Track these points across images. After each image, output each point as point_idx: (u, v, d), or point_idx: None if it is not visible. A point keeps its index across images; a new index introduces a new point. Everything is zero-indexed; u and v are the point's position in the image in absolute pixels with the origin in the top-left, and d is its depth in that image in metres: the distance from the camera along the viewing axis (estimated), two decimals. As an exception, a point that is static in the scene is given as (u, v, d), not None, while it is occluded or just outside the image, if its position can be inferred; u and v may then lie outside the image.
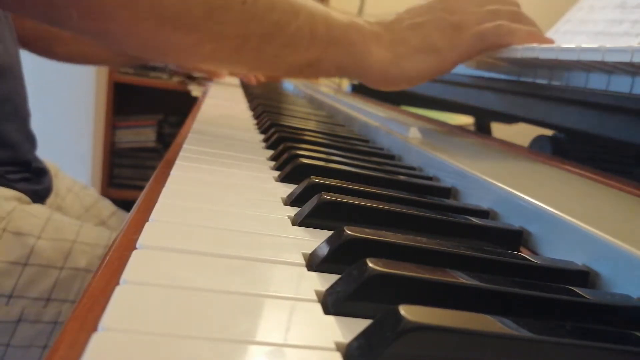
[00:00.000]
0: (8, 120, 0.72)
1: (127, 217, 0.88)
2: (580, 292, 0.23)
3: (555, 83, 0.52)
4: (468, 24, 0.56)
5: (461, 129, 0.74)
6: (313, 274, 0.24)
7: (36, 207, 0.67)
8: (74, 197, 0.87)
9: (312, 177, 0.36)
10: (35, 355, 0.60)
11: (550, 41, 0.57)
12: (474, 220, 0.32)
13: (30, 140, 0.78)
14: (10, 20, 0.77)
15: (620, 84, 0.45)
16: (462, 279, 0.22)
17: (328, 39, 0.52)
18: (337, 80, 1.54)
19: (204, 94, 1.05)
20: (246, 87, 1.25)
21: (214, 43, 0.47)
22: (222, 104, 0.91)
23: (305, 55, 0.51)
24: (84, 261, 0.62)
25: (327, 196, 0.31)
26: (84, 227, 0.67)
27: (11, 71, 0.74)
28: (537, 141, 0.62)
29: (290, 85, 1.43)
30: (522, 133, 0.73)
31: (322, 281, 0.24)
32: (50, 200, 0.80)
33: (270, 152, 0.50)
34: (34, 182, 0.74)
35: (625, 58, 0.41)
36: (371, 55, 0.54)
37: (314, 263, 0.25)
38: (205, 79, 1.25)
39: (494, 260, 0.26)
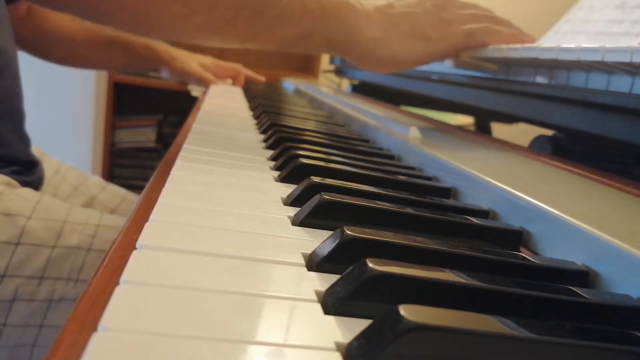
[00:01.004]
0: (2, 120, 0.72)
1: (120, 190, 0.87)
2: (580, 292, 0.23)
3: (555, 83, 0.53)
4: (457, 21, 0.59)
5: (461, 129, 0.74)
6: (313, 274, 0.24)
7: (26, 191, 0.67)
8: (61, 178, 0.87)
9: (311, 177, 0.36)
10: (31, 334, 0.60)
11: (532, 41, 0.61)
12: (474, 220, 0.32)
13: (25, 141, 0.78)
14: (9, 21, 0.77)
15: (620, 84, 0.45)
16: (462, 279, 0.22)
17: (320, 12, 0.53)
18: (337, 80, 1.54)
19: (204, 94, 1.05)
20: (246, 87, 1.25)
21: (206, 14, 0.48)
22: (222, 104, 0.91)
23: (297, 28, 0.52)
24: (76, 239, 0.62)
25: (327, 196, 0.31)
26: (74, 208, 0.67)
27: (9, 71, 0.74)
28: (537, 141, 0.62)
29: (290, 85, 1.43)
30: (522, 133, 0.73)
31: (322, 281, 0.24)
32: (41, 189, 0.80)
33: (270, 152, 0.50)
34: (25, 174, 0.74)
35: (625, 58, 0.41)
36: (362, 33, 0.55)
37: (314, 263, 0.25)
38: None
39: (494, 260, 0.26)
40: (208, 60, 1.23)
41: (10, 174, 0.69)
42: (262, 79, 1.37)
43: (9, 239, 0.59)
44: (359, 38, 0.55)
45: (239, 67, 1.31)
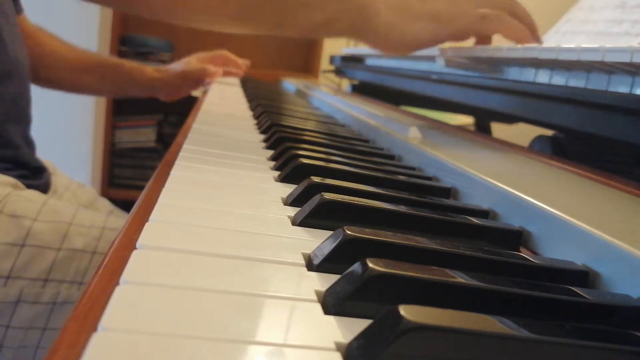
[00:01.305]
0: (9, 122, 0.72)
1: (126, 216, 0.88)
2: (580, 292, 0.23)
3: (555, 83, 0.52)
4: (471, 3, 0.60)
5: (461, 129, 0.74)
6: (313, 274, 0.24)
7: (31, 193, 0.67)
8: (71, 195, 0.87)
9: (312, 177, 0.36)
10: (35, 336, 0.60)
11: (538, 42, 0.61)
12: (474, 220, 0.32)
13: (30, 145, 0.78)
14: (18, 28, 0.77)
15: (620, 84, 0.45)
16: (462, 279, 0.22)
17: None
18: (337, 80, 1.54)
19: (204, 94, 1.05)
20: (246, 87, 1.25)
21: (239, 2, 0.51)
22: (222, 103, 0.91)
23: (322, 13, 0.55)
24: (81, 242, 0.62)
25: (327, 196, 0.31)
26: (80, 210, 0.67)
27: (19, 74, 0.74)
28: (537, 141, 0.62)
29: (290, 85, 1.43)
30: (522, 133, 0.73)
31: (322, 281, 0.24)
32: (49, 196, 0.80)
33: (270, 152, 0.50)
34: (32, 178, 0.74)
35: (625, 58, 0.41)
36: (379, 17, 0.58)
37: (314, 263, 0.25)
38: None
39: (494, 260, 0.26)
40: (190, 58, 1.22)
41: (17, 177, 0.69)
42: (241, 71, 1.34)
43: (14, 240, 0.59)
44: (376, 22, 0.58)
45: (222, 52, 1.27)
